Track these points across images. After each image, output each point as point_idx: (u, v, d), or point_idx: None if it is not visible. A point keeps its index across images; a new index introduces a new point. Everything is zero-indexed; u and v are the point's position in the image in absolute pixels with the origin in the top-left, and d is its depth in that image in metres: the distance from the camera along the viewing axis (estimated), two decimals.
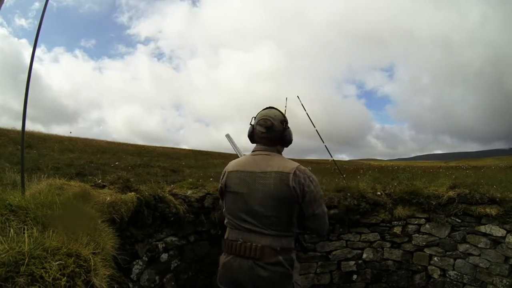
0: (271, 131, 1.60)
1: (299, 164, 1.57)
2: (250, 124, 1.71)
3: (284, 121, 1.65)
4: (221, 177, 1.72)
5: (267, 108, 1.70)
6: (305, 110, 3.88)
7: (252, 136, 1.70)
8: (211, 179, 5.62)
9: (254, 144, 1.71)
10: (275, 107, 1.71)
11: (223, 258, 1.62)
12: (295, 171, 1.51)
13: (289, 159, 1.65)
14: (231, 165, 1.70)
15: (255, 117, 1.70)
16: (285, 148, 1.75)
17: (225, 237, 1.64)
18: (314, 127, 3.86)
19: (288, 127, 1.67)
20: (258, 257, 1.46)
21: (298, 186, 1.49)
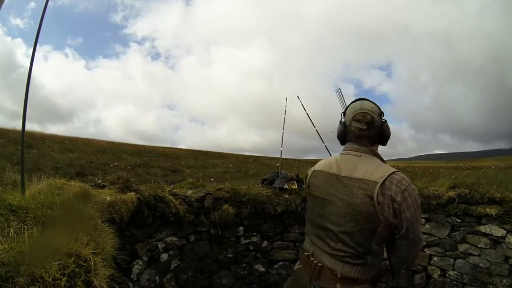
0: (372, 127, 1.29)
1: (396, 170, 1.21)
2: (340, 122, 1.41)
3: (382, 113, 1.34)
4: (306, 176, 1.49)
5: (358, 99, 1.37)
6: (305, 110, 3.88)
7: (344, 136, 1.38)
8: (211, 179, 5.62)
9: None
10: (366, 98, 1.38)
11: (297, 265, 1.44)
12: (384, 181, 1.16)
13: (384, 162, 1.31)
14: (319, 163, 1.43)
15: (344, 113, 1.39)
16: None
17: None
18: (314, 127, 3.86)
19: (386, 120, 1.35)
20: (316, 276, 1.26)
21: (386, 203, 1.15)
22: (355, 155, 1.29)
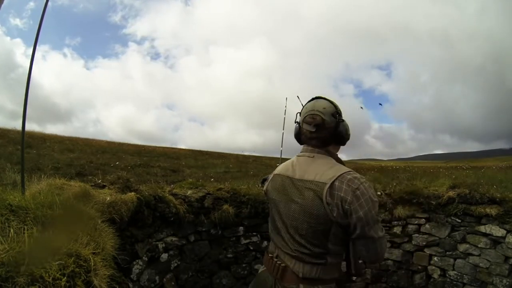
0: (321, 129, 1.26)
1: (348, 170, 1.19)
2: (295, 122, 1.39)
3: (336, 113, 1.28)
4: (266, 180, 1.49)
5: (313, 99, 1.33)
6: None
7: (299, 137, 1.37)
8: (211, 179, 5.63)
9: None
10: (324, 96, 1.33)
11: (261, 268, 1.46)
12: (333, 182, 1.14)
13: (341, 162, 1.30)
14: (278, 167, 1.43)
15: (299, 113, 1.36)
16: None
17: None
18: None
19: (343, 120, 1.30)
20: (279, 277, 1.26)
21: (336, 203, 1.13)
22: (309, 156, 1.28)
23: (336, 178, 1.15)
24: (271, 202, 1.41)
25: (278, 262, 1.28)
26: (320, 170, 1.21)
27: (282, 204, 1.30)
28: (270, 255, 1.36)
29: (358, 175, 1.18)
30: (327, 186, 1.14)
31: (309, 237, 1.19)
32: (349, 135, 1.33)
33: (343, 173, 1.16)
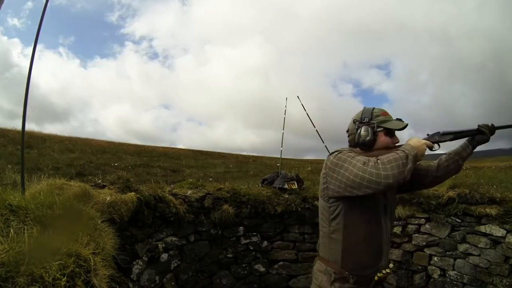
0: (349, 135, 1.46)
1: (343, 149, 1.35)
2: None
3: (356, 120, 1.42)
4: None
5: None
6: (305, 110, 3.87)
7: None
8: (210, 179, 5.62)
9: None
10: (376, 107, 1.44)
11: None
12: (325, 162, 1.32)
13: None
14: None
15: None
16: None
17: None
18: (314, 127, 3.85)
19: (361, 126, 1.39)
20: None
21: (322, 181, 1.33)
22: None
23: (327, 158, 1.32)
24: None
25: None
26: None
27: None
28: None
29: (344, 148, 1.38)
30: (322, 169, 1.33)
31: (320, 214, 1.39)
32: (366, 139, 1.37)
33: (333, 152, 1.33)
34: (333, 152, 1.33)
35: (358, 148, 1.40)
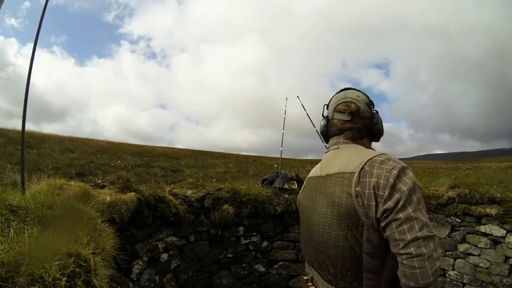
0: (356, 118, 1.07)
1: (381, 153, 0.96)
2: (323, 116, 1.20)
3: (371, 103, 1.11)
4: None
5: (342, 90, 1.15)
6: (305, 110, 3.87)
7: (327, 132, 1.16)
8: (211, 179, 5.63)
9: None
10: (353, 87, 1.16)
11: None
12: (363, 167, 0.91)
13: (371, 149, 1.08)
14: (312, 170, 1.22)
15: (327, 105, 1.18)
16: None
17: None
18: (314, 127, 3.85)
19: (377, 111, 1.12)
20: None
21: (367, 193, 0.88)
22: (334, 149, 1.10)
23: (365, 163, 0.92)
24: (300, 213, 1.19)
25: (312, 287, 1.08)
26: (347, 159, 0.99)
27: (309, 210, 1.09)
28: (305, 277, 1.15)
29: (393, 156, 0.94)
30: (356, 175, 0.91)
31: (340, 247, 0.92)
32: (383, 130, 1.13)
33: (373, 157, 0.93)
34: (391, 163, 0.90)
35: (366, 139, 1.12)
